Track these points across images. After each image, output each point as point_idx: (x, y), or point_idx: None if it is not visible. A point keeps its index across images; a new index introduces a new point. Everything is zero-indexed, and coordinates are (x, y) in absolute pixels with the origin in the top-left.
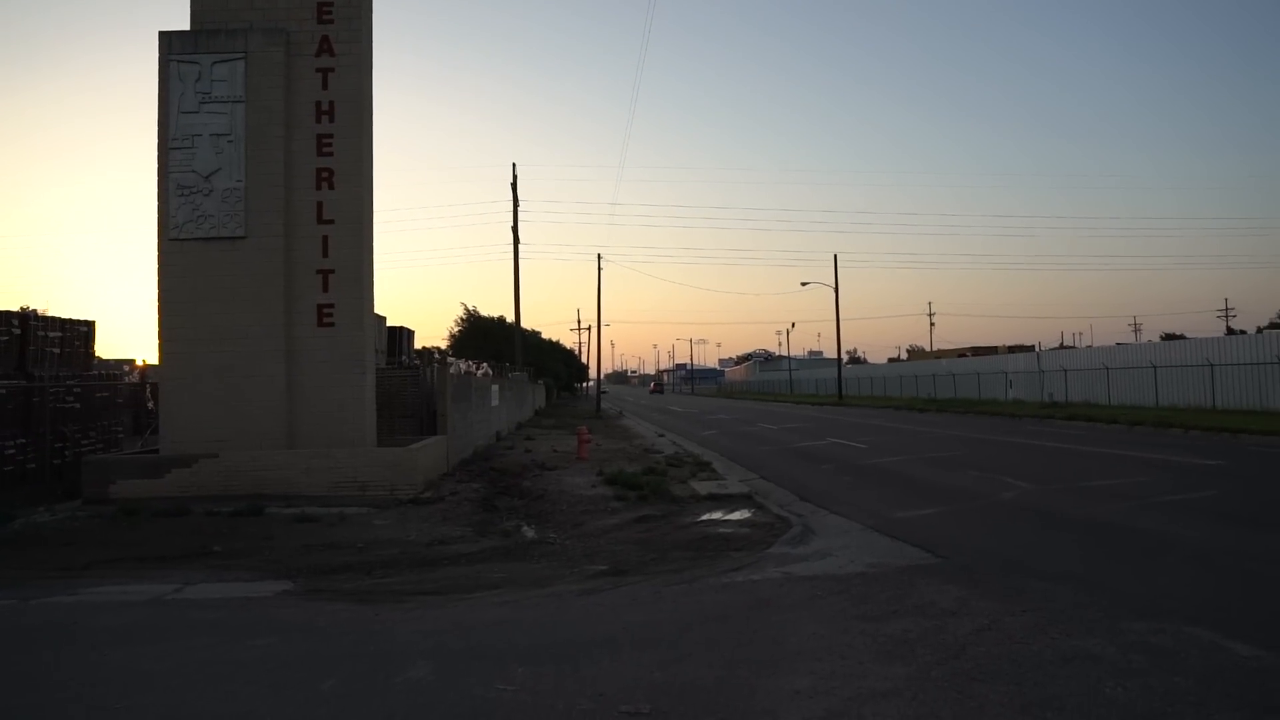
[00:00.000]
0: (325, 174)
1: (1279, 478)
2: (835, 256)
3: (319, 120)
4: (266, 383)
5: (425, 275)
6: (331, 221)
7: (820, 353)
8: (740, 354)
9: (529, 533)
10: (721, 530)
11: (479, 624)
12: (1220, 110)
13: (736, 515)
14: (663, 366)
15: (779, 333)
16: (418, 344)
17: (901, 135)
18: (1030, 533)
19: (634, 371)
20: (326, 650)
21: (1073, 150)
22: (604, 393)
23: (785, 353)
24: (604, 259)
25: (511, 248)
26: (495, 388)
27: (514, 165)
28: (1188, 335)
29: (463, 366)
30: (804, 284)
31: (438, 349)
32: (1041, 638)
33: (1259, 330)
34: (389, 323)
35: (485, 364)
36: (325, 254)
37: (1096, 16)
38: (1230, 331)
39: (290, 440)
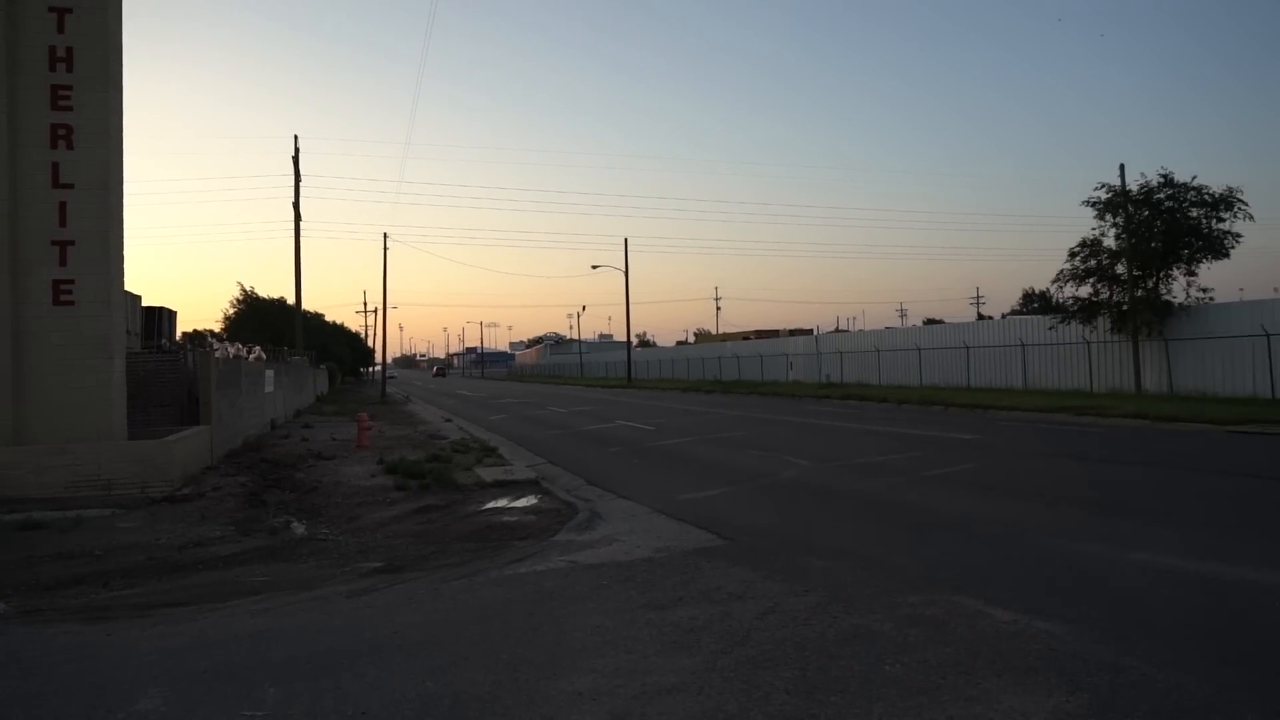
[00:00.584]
0: (63, 131)
1: (1023, 449)
2: (626, 240)
3: (54, 68)
4: None
5: (198, 253)
6: (71, 186)
7: (611, 336)
8: (531, 337)
9: (299, 529)
10: (506, 519)
11: (230, 637)
12: (980, 116)
13: (522, 502)
14: (453, 350)
15: (570, 316)
16: (189, 326)
17: (691, 122)
18: (811, 510)
19: (423, 355)
20: (31, 687)
21: (849, 143)
22: (392, 377)
23: (576, 336)
24: (392, 239)
25: (293, 225)
26: (270, 373)
27: (295, 138)
28: (946, 320)
29: (231, 350)
30: (595, 267)
31: (210, 331)
32: (824, 617)
33: (1004, 316)
34: (148, 303)
35: (259, 347)
36: (63, 223)
37: (884, 18)
38: (981, 317)
39: (19, 435)
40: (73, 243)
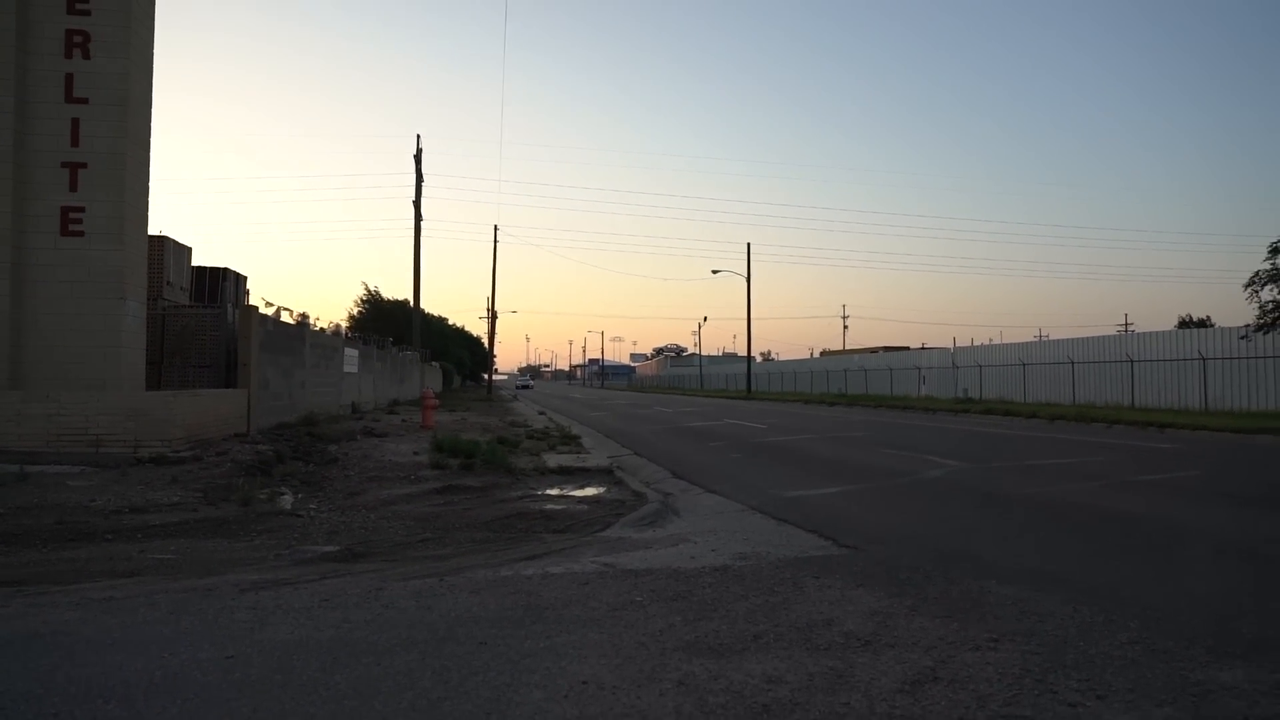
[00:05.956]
0: (79, 38)
1: (1252, 461)
2: (748, 245)
3: None
4: None
5: (327, 254)
6: (85, 101)
7: (734, 353)
8: (653, 349)
9: (285, 502)
10: (549, 507)
11: None
12: (1143, 126)
13: (582, 491)
14: (576, 362)
15: (694, 333)
16: (318, 325)
17: (815, 132)
18: (972, 515)
19: (547, 366)
20: None
21: (988, 156)
22: (527, 386)
23: (697, 349)
24: (509, 238)
25: (413, 224)
26: (353, 353)
27: (419, 137)
28: None
29: (285, 315)
30: (715, 271)
31: (337, 326)
32: (1049, 704)
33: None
34: (232, 270)
35: (341, 324)
36: (75, 142)
37: (1020, 21)
38: None
39: (16, 380)
40: (85, 165)
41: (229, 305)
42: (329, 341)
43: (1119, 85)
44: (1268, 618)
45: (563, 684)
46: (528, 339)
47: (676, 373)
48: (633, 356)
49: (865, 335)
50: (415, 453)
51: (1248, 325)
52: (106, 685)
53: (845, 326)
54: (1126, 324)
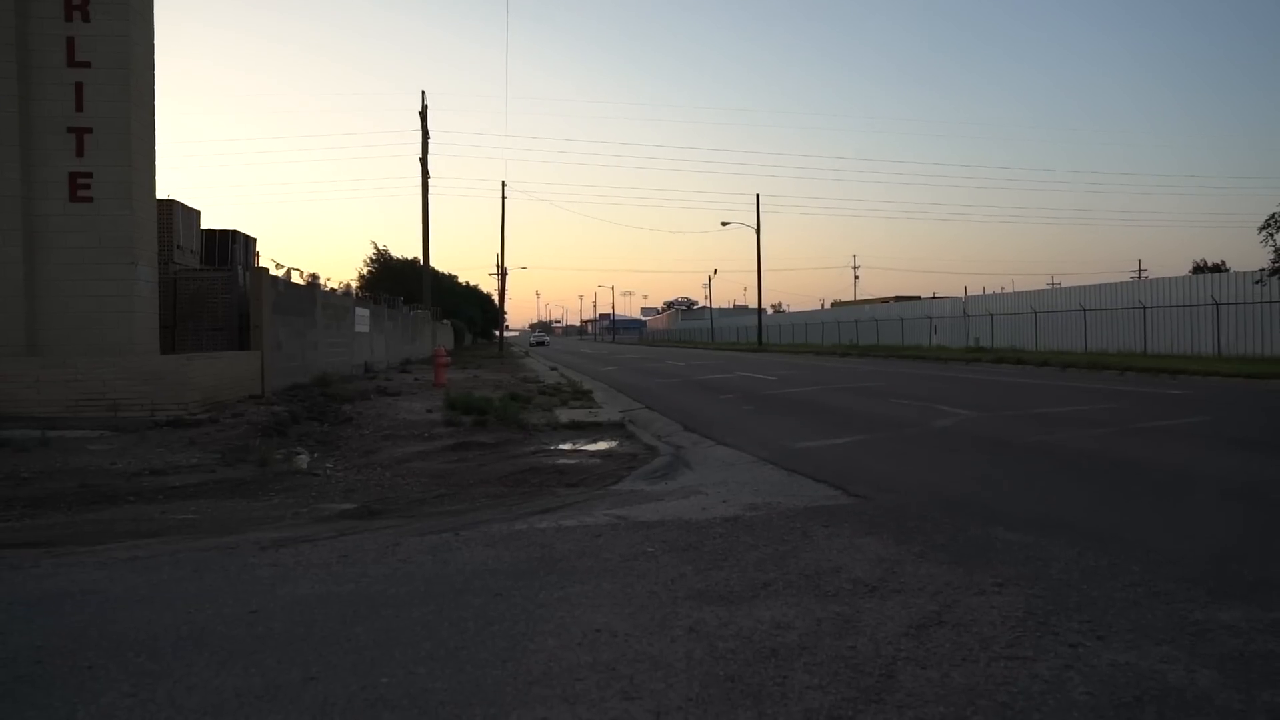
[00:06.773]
0: (78, 0)
1: (1263, 406)
2: (757, 196)
3: None
4: None
5: (337, 212)
6: (88, 65)
7: (745, 305)
8: (664, 302)
9: (301, 462)
10: (562, 462)
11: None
12: (1159, 67)
13: (594, 446)
14: (587, 317)
15: (704, 286)
16: (328, 285)
17: (828, 78)
18: (981, 464)
19: (558, 321)
20: None
21: (998, 99)
22: (543, 344)
23: (708, 302)
24: (519, 193)
25: (420, 181)
26: (364, 312)
27: (423, 94)
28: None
29: (295, 275)
30: (724, 224)
31: (347, 286)
32: (1047, 642)
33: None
34: (241, 232)
35: (351, 284)
36: (80, 107)
37: None
38: None
39: (33, 347)
40: (90, 130)
41: (239, 268)
42: (340, 302)
43: (1139, 25)
44: (1269, 560)
45: (576, 632)
46: (538, 295)
47: (687, 326)
48: (643, 310)
49: (876, 285)
50: (428, 410)
51: (1262, 270)
52: (136, 639)
53: (856, 277)
54: (1140, 270)
